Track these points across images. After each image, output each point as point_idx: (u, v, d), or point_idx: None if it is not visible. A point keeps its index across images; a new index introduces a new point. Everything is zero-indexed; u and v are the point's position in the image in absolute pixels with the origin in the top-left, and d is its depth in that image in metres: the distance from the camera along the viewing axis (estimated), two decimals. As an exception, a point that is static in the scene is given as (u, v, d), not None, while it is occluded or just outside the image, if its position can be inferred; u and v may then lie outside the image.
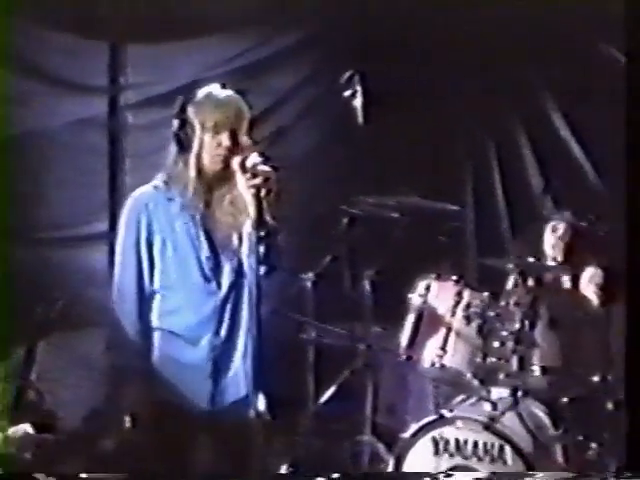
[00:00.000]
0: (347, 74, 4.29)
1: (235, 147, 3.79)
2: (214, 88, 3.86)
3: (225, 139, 3.80)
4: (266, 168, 3.66)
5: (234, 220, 3.81)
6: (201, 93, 3.85)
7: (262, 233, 3.68)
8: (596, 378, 4.79)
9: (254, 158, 3.70)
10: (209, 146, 3.82)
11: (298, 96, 5.99)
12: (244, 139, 3.81)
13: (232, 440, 3.85)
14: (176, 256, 3.84)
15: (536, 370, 4.86)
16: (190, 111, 3.82)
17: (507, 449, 4.57)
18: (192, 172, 3.82)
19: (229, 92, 3.84)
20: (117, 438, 4.36)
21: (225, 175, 3.81)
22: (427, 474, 4.56)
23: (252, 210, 3.69)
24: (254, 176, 3.68)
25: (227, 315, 3.86)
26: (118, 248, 3.90)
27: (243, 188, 3.71)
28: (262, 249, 3.71)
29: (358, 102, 4.30)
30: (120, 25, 5.85)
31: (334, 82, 4.33)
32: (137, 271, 3.84)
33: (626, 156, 4.42)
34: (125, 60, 6.05)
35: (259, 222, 3.68)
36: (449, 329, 4.89)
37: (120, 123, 6.07)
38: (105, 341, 4.81)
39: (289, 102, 5.96)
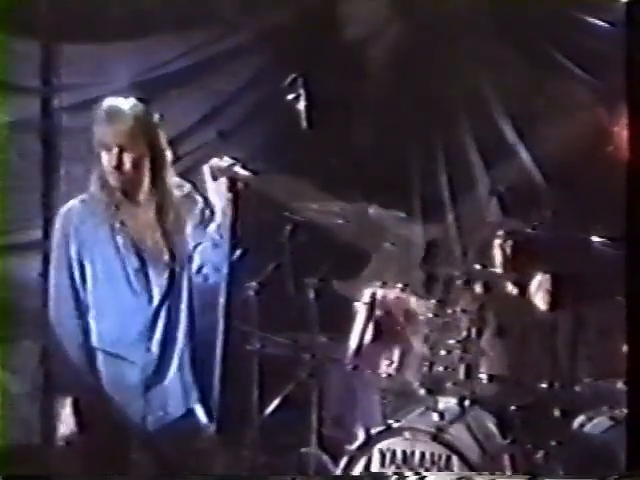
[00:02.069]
0: (290, 77, 4.42)
1: (122, 164, 3.88)
2: (111, 101, 3.93)
3: (112, 157, 3.87)
4: (246, 172, 3.79)
5: (160, 233, 3.93)
6: (100, 109, 3.92)
7: (234, 240, 3.81)
8: (543, 385, 5.00)
9: (227, 160, 3.81)
10: (107, 163, 3.92)
11: (241, 99, 6.13)
12: (167, 152, 3.92)
13: (177, 454, 3.99)
14: (106, 272, 3.98)
15: (483, 378, 5.05)
16: (93, 128, 3.92)
17: (454, 459, 4.79)
18: (101, 190, 3.93)
19: (127, 104, 3.92)
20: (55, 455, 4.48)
21: (139, 188, 3.92)
22: (395, 474, 4.77)
23: (225, 216, 3.79)
24: (232, 181, 3.78)
25: (160, 330, 3.99)
26: (52, 269, 4.02)
27: (214, 193, 3.81)
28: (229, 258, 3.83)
29: (301, 106, 4.44)
30: (54, 24, 5.93)
31: (278, 85, 4.43)
32: (72, 292, 4.00)
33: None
34: (59, 60, 6.12)
35: (233, 229, 3.79)
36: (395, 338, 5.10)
37: (54, 126, 6.12)
38: (39, 354, 4.87)
39: (232, 105, 6.11)
